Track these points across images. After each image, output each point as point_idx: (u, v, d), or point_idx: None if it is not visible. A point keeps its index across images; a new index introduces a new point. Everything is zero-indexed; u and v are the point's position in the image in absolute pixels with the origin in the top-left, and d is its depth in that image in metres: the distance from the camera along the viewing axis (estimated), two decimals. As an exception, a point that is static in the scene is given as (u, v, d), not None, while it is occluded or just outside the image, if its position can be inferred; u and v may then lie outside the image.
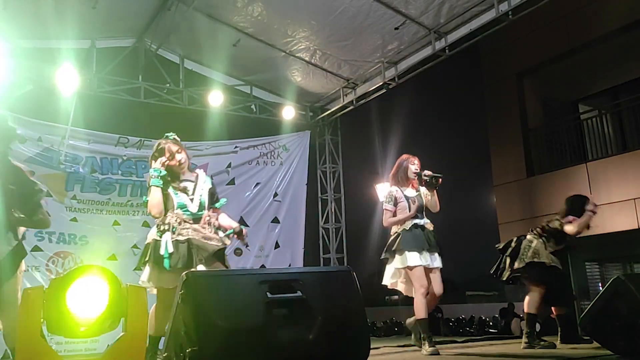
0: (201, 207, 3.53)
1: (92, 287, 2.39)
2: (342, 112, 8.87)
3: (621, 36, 9.34)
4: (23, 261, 3.20)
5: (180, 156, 3.57)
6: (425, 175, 4.48)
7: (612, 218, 9.57)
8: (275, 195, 8.59)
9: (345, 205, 9.25)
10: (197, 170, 3.78)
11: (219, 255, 3.43)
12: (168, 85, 7.91)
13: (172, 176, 3.53)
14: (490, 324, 14.77)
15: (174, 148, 3.57)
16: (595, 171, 10.09)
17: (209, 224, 3.52)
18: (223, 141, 8.38)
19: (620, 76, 10.28)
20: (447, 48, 7.07)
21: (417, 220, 4.41)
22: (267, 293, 2.22)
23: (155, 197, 3.42)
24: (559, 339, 4.80)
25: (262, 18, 7.12)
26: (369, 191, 11.84)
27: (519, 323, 10.18)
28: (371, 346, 2.51)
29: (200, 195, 3.57)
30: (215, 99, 7.90)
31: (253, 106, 8.60)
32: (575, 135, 10.98)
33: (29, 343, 2.21)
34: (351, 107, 8.61)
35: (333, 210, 9.15)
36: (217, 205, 3.67)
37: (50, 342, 2.78)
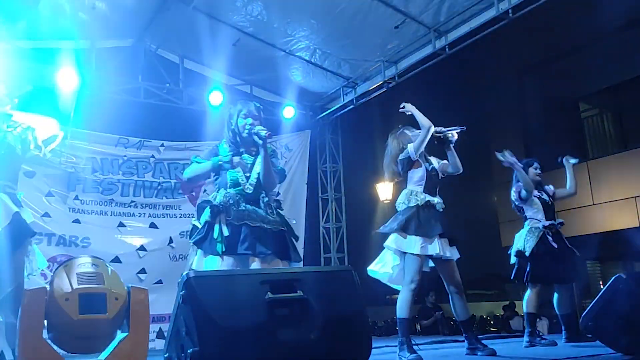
0: (258, 185, 3.23)
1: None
2: (342, 112, 8.87)
3: (622, 34, 9.34)
4: (31, 246, 3.07)
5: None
6: (437, 133, 3.84)
7: (613, 216, 9.57)
8: (277, 195, 8.58)
9: (346, 205, 9.25)
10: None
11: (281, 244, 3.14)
12: (168, 85, 7.90)
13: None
14: (492, 322, 14.77)
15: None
16: (596, 170, 10.09)
17: (269, 205, 3.22)
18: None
19: (621, 74, 10.27)
20: (447, 46, 7.05)
21: (429, 197, 3.74)
22: (268, 293, 2.22)
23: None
24: (563, 337, 4.79)
25: (262, 17, 7.11)
26: (370, 190, 11.84)
27: (520, 321, 10.18)
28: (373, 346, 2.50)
29: (258, 173, 3.26)
30: (215, 98, 7.90)
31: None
32: (575, 133, 10.99)
33: (31, 345, 2.20)
34: (351, 107, 8.60)
35: (334, 209, 9.15)
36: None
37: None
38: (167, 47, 7.79)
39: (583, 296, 9.75)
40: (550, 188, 5.10)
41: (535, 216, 4.82)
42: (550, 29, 10.05)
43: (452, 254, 3.76)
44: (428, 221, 3.64)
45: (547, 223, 4.75)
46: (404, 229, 3.63)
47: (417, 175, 3.80)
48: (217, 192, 3.25)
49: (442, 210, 3.77)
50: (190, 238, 3.26)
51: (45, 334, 2.28)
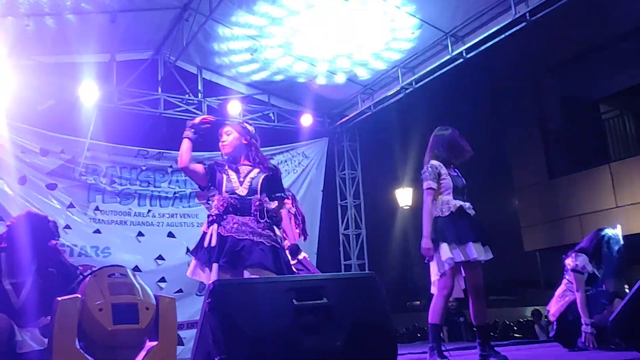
0: (252, 191, 3.19)
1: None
2: (360, 118, 8.87)
3: (641, 34, 9.22)
4: None
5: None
6: None
7: (637, 219, 9.41)
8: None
9: (365, 211, 9.23)
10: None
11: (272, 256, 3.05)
12: (187, 96, 8.00)
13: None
14: (515, 328, 14.57)
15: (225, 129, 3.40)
16: (619, 172, 9.94)
17: (260, 211, 3.14)
18: (242, 150, 8.40)
19: (641, 74, 10.12)
20: (464, 51, 7.02)
21: (460, 203, 3.70)
22: (293, 300, 2.22)
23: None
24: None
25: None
26: (389, 196, 11.81)
27: (544, 327, 10.05)
28: (398, 352, 2.48)
29: (252, 178, 3.23)
30: (234, 108, 7.96)
31: (271, 114, 8.64)
32: (596, 135, 10.84)
33: (65, 354, 2.23)
34: (369, 113, 8.61)
35: (353, 216, 9.14)
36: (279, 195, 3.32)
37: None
38: (185, 58, 7.88)
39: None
40: None
41: None
42: (568, 29, 9.95)
43: (484, 255, 3.71)
44: (460, 227, 3.64)
45: None
46: (437, 239, 3.63)
47: (445, 183, 3.79)
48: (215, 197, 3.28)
49: (473, 214, 3.76)
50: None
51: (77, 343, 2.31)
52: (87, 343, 2.35)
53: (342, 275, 3.51)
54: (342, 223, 9.15)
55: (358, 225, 9.14)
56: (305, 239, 4.76)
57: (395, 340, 2.54)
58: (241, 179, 3.22)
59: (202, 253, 3.09)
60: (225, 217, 3.09)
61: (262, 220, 3.12)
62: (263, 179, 3.25)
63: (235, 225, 3.06)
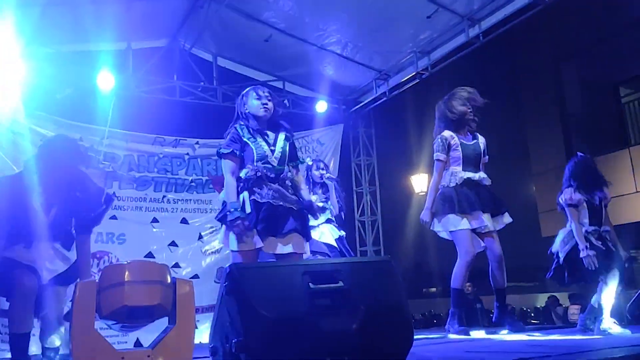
0: (282, 160, 3.29)
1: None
2: (375, 104, 8.83)
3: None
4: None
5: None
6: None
7: (657, 204, 9.28)
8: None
9: (381, 198, 9.22)
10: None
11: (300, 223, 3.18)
12: (202, 83, 8.03)
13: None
14: (532, 315, 14.52)
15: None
16: (638, 156, 9.79)
17: (289, 179, 3.27)
18: (257, 137, 8.42)
19: (663, 57, 9.93)
20: (481, 35, 6.93)
21: (469, 174, 3.79)
22: (310, 284, 2.24)
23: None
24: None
25: (293, 12, 7.14)
26: (405, 182, 11.78)
27: (562, 312, 10.00)
28: (414, 336, 2.49)
29: (282, 147, 3.32)
30: (249, 95, 7.97)
31: (286, 101, 8.63)
32: (616, 119, 10.68)
33: (84, 337, 2.28)
34: (384, 99, 8.56)
35: (368, 202, 9.14)
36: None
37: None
38: (200, 45, 7.90)
39: (627, 286, 9.50)
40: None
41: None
42: (588, 12, 9.77)
43: (496, 224, 3.80)
44: (465, 197, 3.71)
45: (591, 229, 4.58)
46: (444, 212, 3.72)
47: (455, 155, 3.84)
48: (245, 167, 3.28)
49: (487, 184, 3.80)
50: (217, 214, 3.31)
51: (97, 325, 2.37)
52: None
53: (358, 260, 3.54)
54: (358, 210, 9.15)
55: (374, 211, 9.13)
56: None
57: (412, 324, 2.54)
58: (272, 148, 3.28)
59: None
60: (257, 184, 3.15)
61: (290, 186, 3.26)
62: (290, 147, 3.36)
63: (271, 192, 3.14)
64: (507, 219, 3.83)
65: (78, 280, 3.11)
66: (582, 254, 4.31)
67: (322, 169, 4.81)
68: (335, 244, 4.62)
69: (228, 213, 3.11)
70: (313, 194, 4.62)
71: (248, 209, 3.10)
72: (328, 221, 4.85)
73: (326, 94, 8.66)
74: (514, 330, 3.68)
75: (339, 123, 9.07)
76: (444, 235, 3.88)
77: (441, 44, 7.53)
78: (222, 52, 8.16)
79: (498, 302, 3.82)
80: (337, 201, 4.79)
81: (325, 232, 4.67)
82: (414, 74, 7.86)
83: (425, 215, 3.81)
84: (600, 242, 4.45)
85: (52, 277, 3.09)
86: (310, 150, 8.75)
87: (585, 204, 4.52)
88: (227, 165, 3.27)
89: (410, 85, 8.09)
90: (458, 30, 7.18)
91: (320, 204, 4.74)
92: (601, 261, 4.38)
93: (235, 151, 3.25)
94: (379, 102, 8.71)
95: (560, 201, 4.58)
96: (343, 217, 5.02)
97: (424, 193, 11.09)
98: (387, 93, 8.44)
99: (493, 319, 3.74)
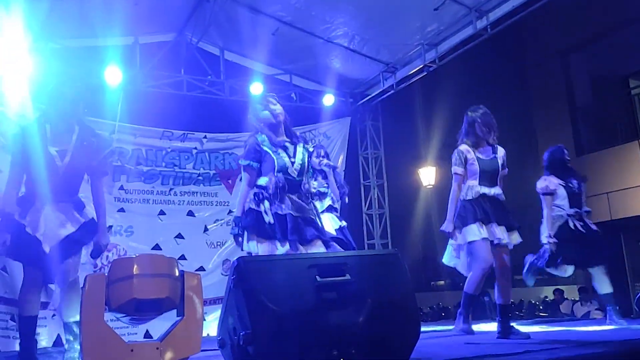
0: (301, 172, 3.37)
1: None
2: (382, 97, 8.80)
3: (674, 5, 8.92)
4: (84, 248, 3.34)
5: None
6: None
7: (667, 196, 9.21)
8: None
9: (388, 191, 9.21)
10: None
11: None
12: (209, 77, 8.03)
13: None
14: (540, 307, 14.49)
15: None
16: (648, 148, 9.71)
17: (307, 190, 3.38)
18: (265, 131, 8.42)
19: (673, 48, 9.82)
20: (488, 27, 6.88)
21: (485, 190, 3.85)
22: (316, 277, 2.25)
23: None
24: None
25: (300, 5, 7.12)
26: (412, 176, 11.76)
27: (569, 305, 9.97)
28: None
29: (301, 159, 3.41)
30: (256, 89, 7.97)
31: (293, 95, 8.62)
32: (625, 111, 10.59)
33: (94, 329, 2.31)
34: (392, 92, 8.53)
35: (376, 196, 9.13)
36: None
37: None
38: (207, 39, 7.90)
39: (635, 279, 9.45)
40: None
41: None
42: (597, 3, 9.67)
43: (509, 239, 3.87)
44: (481, 210, 3.79)
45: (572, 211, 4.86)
46: (465, 223, 3.80)
47: (472, 169, 3.90)
48: (266, 176, 3.35)
49: (502, 199, 3.92)
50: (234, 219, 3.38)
51: (106, 317, 2.39)
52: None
53: (365, 253, 3.58)
54: (365, 203, 9.15)
55: (381, 204, 9.13)
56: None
57: (419, 317, 2.56)
58: (292, 160, 3.37)
59: (262, 228, 3.19)
60: (279, 195, 3.23)
61: (306, 196, 3.37)
62: (308, 159, 3.46)
63: (290, 204, 3.24)
64: (516, 238, 3.89)
65: (92, 242, 3.33)
66: (543, 240, 4.80)
67: (323, 157, 4.84)
68: (335, 234, 4.64)
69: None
70: (314, 180, 4.69)
71: (270, 219, 3.18)
72: (329, 209, 4.92)
73: (333, 87, 8.64)
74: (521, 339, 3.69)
75: (346, 116, 9.05)
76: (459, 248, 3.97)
77: (449, 36, 7.49)
78: (229, 46, 8.16)
79: (501, 316, 3.81)
80: (338, 187, 4.81)
81: (325, 222, 4.70)
82: (421, 66, 7.82)
83: (447, 227, 3.88)
84: (581, 224, 4.66)
85: (63, 238, 3.20)
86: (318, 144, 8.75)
87: (563, 189, 4.74)
88: (244, 177, 3.41)
89: (418, 78, 8.05)
90: (466, 22, 7.14)
91: (322, 189, 4.90)
92: (586, 247, 4.57)
93: (252, 163, 3.36)
94: (386, 95, 8.68)
95: (538, 190, 4.94)
96: (347, 201, 5.07)
97: (431, 186, 11.09)
98: (394, 86, 8.40)
99: (497, 335, 3.75)
